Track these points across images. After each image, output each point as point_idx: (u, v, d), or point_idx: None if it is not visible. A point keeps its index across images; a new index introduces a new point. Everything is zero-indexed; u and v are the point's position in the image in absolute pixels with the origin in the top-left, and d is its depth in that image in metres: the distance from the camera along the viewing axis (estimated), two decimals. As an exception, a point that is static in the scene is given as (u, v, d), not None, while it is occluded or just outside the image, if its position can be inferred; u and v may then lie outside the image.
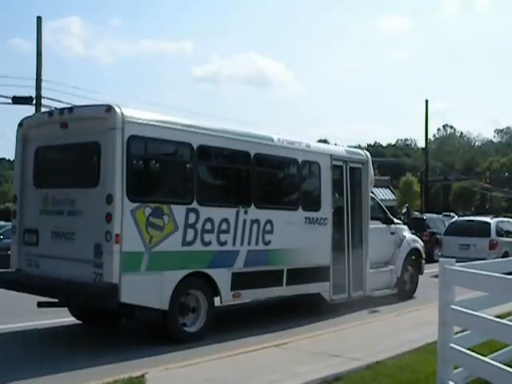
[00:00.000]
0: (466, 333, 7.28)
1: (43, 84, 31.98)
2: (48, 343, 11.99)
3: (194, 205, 11.98)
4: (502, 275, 6.39)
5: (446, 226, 29.38)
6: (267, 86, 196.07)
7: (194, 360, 9.70)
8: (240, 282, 12.71)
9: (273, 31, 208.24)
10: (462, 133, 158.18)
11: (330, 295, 14.97)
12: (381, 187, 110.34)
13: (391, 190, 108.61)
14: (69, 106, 12.19)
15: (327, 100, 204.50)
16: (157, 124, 11.55)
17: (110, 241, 10.63)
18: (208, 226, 12.19)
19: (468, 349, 7.05)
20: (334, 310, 15.08)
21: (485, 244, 25.14)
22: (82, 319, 13.28)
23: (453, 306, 6.89)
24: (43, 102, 31.53)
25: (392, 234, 17.70)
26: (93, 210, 11.13)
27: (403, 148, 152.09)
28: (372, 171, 17.13)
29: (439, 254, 25.94)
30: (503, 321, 6.63)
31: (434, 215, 40.36)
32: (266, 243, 13.33)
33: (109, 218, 10.68)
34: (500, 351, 7.94)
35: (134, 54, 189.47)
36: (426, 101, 63.53)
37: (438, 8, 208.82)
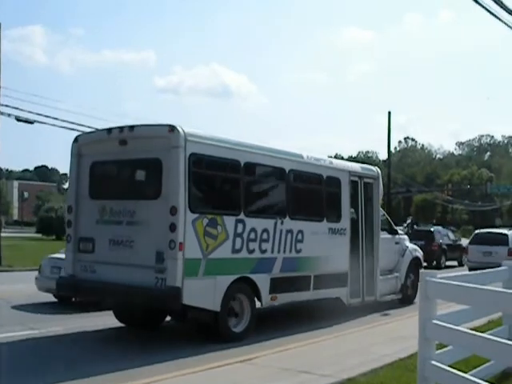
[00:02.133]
0: (447, 348, 6.93)
1: (2, 91, 31.24)
2: (99, 344, 12.79)
3: (242, 216, 13.20)
4: (484, 287, 6.22)
5: (471, 236, 33.80)
6: (230, 98, 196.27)
7: (144, 380, 9.16)
8: (277, 286, 13.93)
9: (236, 43, 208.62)
10: (423, 145, 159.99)
11: (348, 299, 16.29)
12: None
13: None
14: (129, 125, 13.17)
15: (290, 112, 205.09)
16: (212, 143, 12.78)
17: (174, 248, 11.70)
18: (252, 236, 13.41)
19: (449, 365, 6.76)
20: (311, 320, 15.06)
21: (504, 251, 28.97)
22: (128, 322, 14.34)
23: (435, 321, 6.54)
24: (1, 109, 30.76)
25: (396, 243, 19.22)
26: (154, 220, 12.24)
27: (364, 160, 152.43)
28: (381, 186, 18.72)
29: (465, 259, 32.42)
30: (486, 335, 6.34)
31: (440, 228, 43.41)
32: (298, 251, 14.64)
33: (173, 227, 11.75)
34: (481, 367, 7.60)
35: (96, 64, 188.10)
36: (389, 113, 63.52)
37: (400, 20, 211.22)
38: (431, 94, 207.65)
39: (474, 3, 14.70)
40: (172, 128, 12.13)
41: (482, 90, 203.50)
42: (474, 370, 7.35)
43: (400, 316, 15.65)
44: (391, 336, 12.82)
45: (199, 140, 12.49)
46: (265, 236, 13.78)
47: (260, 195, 14.85)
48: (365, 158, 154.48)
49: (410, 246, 20.04)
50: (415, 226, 44.26)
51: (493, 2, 14.98)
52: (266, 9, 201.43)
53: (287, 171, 14.65)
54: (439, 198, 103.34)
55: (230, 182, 13.90)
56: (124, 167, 13.69)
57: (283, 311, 15.42)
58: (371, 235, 17.58)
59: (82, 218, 13.58)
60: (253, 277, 13.40)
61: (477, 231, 35.48)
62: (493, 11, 15.61)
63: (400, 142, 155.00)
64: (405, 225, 47.46)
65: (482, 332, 7.86)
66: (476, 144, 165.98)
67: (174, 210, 11.81)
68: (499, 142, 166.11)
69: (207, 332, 12.89)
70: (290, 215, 14.50)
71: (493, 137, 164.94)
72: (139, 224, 12.50)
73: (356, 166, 18.01)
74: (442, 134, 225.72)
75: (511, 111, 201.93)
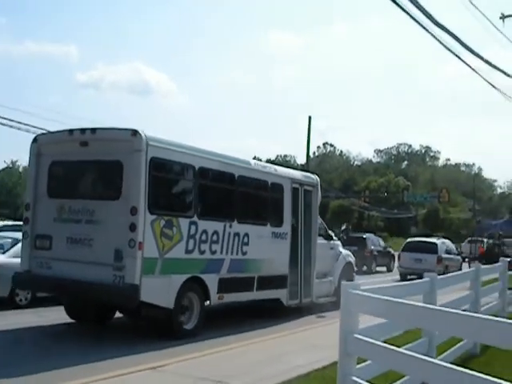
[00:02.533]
0: (367, 363, 6.70)
1: None
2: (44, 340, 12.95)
3: (195, 218, 14.08)
4: (404, 302, 6.06)
5: (404, 244, 37.76)
6: (150, 95, 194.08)
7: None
8: (224, 286, 14.83)
9: (161, 42, 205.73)
10: (341, 151, 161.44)
11: (287, 301, 17.41)
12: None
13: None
14: (91, 127, 13.65)
15: (212, 112, 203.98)
16: (170, 147, 13.55)
17: (134, 247, 12.34)
18: (203, 237, 14.28)
19: (369, 380, 6.57)
20: (235, 324, 15.20)
21: (433, 259, 32.93)
22: (78, 318, 14.80)
23: (356, 335, 6.31)
24: None
25: (331, 249, 20.39)
26: (113, 219, 12.85)
27: (283, 164, 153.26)
28: (320, 193, 19.97)
29: (398, 265, 35.77)
30: (403, 351, 6.19)
31: (372, 235, 45.77)
32: (244, 253, 15.67)
33: (133, 227, 12.39)
34: (398, 382, 7.41)
35: (18, 55, 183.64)
36: (309, 117, 63.85)
37: (328, 27, 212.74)
38: (353, 100, 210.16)
39: (406, 16, 14.69)
40: (134, 132, 12.80)
41: (400, 99, 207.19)
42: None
43: (317, 323, 15.56)
44: (305, 344, 12.65)
45: (159, 144, 13.19)
46: (215, 238, 14.65)
47: (211, 199, 15.51)
48: (283, 162, 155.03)
49: (344, 251, 21.22)
50: (349, 233, 45.89)
51: (422, 15, 15.02)
52: (193, 8, 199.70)
53: (236, 177, 15.64)
54: (356, 204, 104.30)
55: (185, 186, 14.87)
56: (84, 168, 14.13)
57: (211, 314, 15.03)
58: (309, 240, 18.64)
59: (39, 215, 14.05)
60: (203, 276, 14.26)
61: (409, 239, 39.50)
62: (422, 24, 15.67)
63: (319, 147, 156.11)
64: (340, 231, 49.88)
65: (403, 343, 7.79)
66: (394, 152, 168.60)
67: (134, 211, 12.44)
68: (416, 151, 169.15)
69: (160, 329, 13.52)
70: (237, 219, 15.52)
71: (410, 146, 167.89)
72: (98, 223, 13.02)
73: (297, 174, 19.39)
74: (361, 141, 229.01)
75: (428, 121, 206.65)
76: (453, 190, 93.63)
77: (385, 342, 6.55)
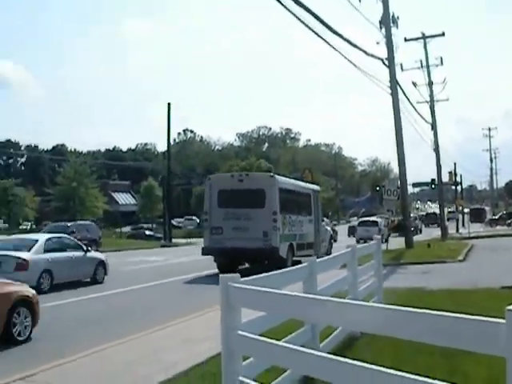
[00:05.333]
0: (251, 360, 6.25)
1: None
2: None
3: (289, 214, 28.53)
4: (279, 292, 5.84)
5: (359, 221, 65.07)
6: (8, 89, 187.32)
7: None
8: (297, 247, 29.32)
9: (14, 32, 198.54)
10: (202, 137, 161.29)
11: (313, 253, 29.11)
12: (122, 192, 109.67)
13: (132, 195, 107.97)
14: (246, 172, 34.74)
15: (69, 104, 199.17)
16: (285, 181, 30.21)
17: (276, 230, 26.32)
18: (291, 223, 28.57)
19: (258, 376, 6.30)
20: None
21: (376, 230, 50.42)
22: (224, 271, 18.16)
23: (239, 332, 5.84)
24: None
25: (324, 227, 37.97)
26: (261, 217, 26.27)
27: (143, 152, 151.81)
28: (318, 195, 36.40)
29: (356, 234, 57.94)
30: (284, 344, 5.81)
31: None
32: (302, 230, 30.35)
33: (275, 220, 26.27)
34: (283, 375, 7.00)
35: None
36: (169, 104, 63.36)
37: (182, 14, 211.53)
38: (212, 86, 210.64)
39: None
40: (272, 176, 28.92)
41: (260, 82, 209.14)
42: (277, 380, 6.77)
43: (188, 316, 15.04)
44: (180, 339, 12.08)
45: (281, 181, 28.68)
46: (294, 223, 29.04)
47: (293, 203, 30.16)
48: (143, 151, 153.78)
49: (328, 228, 40.65)
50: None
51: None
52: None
53: (299, 191, 32.06)
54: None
55: (290, 199, 29.42)
56: (239, 192, 27.05)
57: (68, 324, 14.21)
58: (319, 222, 34.08)
59: (213, 216, 27.04)
60: (293, 242, 28.57)
61: (361, 219, 66.31)
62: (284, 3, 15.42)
63: (179, 133, 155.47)
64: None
65: (291, 331, 7.43)
66: (255, 135, 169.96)
67: (275, 213, 26.46)
68: (277, 133, 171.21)
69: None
70: (299, 213, 30.73)
71: (270, 128, 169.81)
72: (252, 219, 26.38)
73: (313, 186, 36.10)
74: (222, 126, 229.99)
75: (287, 104, 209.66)
76: (315, 169, 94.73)
77: (272, 333, 6.20)
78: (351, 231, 67.52)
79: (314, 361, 4.95)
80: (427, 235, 57.64)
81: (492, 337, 3.28)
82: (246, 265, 28.46)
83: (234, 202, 26.71)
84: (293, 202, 29.72)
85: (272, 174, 30.44)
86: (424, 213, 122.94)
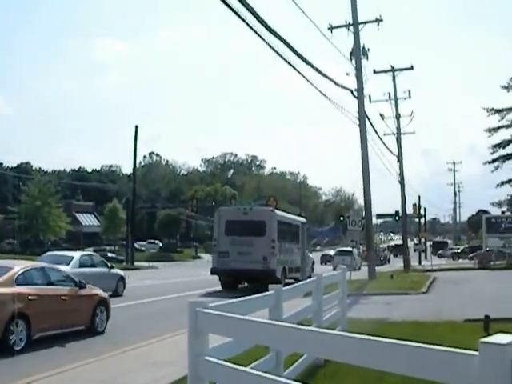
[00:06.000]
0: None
1: None
2: None
3: (284, 242, 34.01)
4: (247, 318, 5.81)
5: (336, 250, 70.25)
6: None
7: None
8: (288, 270, 34.89)
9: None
10: (167, 161, 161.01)
11: (300, 278, 34.47)
12: (85, 213, 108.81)
13: (96, 216, 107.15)
14: (250, 206, 38.01)
15: (36, 122, 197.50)
16: (283, 215, 36.13)
17: (273, 255, 31.04)
18: (285, 249, 34.05)
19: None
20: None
21: (350, 258, 45.89)
22: (226, 288, 31.05)
23: (207, 358, 5.88)
24: None
25: (309, 254, 45.00)
26: (261, 244, 31.07)
27: (108, 174, 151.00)
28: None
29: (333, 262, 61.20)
30: (251, 371, 5.84)
31: None
32: (292, 256, 35.73)
33: (273, 247, 31.09)
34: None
35: None
36: (136, 127, 63.28)
37: (155, 34, 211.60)
38: (178, 110, 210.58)
39: (231, 19, 14.49)
40: (272, 210, 34.03)
41: (228, 108, 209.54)
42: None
43: (156, 338, 15.10)
44: (145, 362, 12.05)
45: (279, 214, 34.11)
46: (287, 249, 34.36)
47: (286, 233, 35.01)
48: (109, 172, 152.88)
49: (310, 255, 44.87)
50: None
51: (251, 15, 14.91)
52: (16, 16, 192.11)
53: (290, 223, 37.12)
54: (183, 213, 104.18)
55: (284, 229, 34.06)
56: (243, 222, 31.82)
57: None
58: (304, 249, 39.36)
59: (221, 242, 31.92)
60: (285, 266, 33.64)
61: (338, 249, 69.30)
62: (256, 30, 15.55)
63: (145, 156, 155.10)
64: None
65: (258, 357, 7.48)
66: (220, 161, 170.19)
67: (273, 241, 31.18)
68: (242, 160, 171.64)
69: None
70: (290, 241, 35.84)
71: (236, 155, 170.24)
72: (254, 246, 31.07)
73: (301, 219, 41.83)
74: (188, 151, 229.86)
75: (255, 131, 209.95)
76: (280, 198, 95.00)
77: (239, 359, 6.23)
78: (324, 259, 74.30)
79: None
80: (391, 266, 58.05)
81: (464, 369, 3.34)
82: (245, 284, 33.99)
83: (239, 230, 31.73)
84: (286, 232, 35.00)
85: (272, 208, 35.73)
86: (393, 243, 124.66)
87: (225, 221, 32.30)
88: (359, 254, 61.53)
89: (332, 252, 72.52)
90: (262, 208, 37.95)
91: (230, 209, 40.86)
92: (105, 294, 17.71)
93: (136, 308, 23.74)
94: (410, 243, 75.31)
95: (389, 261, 77.02)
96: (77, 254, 27.38)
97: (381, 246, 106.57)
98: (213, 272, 32.28)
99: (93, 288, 17.19)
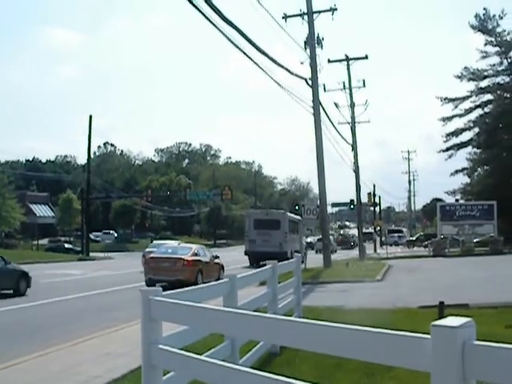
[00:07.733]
0: (172, 374, 6.20)
1: None
2: None
3: (291, 232, 49.45)
4: (201, 306, 5.71)
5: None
6: None
7: None
8: (294, 252, 43.13)
9: None
10: (122, 151, 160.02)
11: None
12: (39, 204, 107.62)
13: (50, 207, 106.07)
14: (269, 210, 55.82)
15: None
16: (290, 215, 50.72)
17: (286, 242, 46.97)
18: (292, 238, 48.93)
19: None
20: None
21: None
22: (254, 264, 44.26)
23: (161, 346, 5.79)
24: None
25: (302, 241, 50.66)
26: (278, 235, 47.36)
27: (63, 165, 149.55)
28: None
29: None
30: (207, 359, 5.74)
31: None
32: (294, 242, 47.73)
33: (285, 236, 47.39)
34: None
35: None
36: (90, 117, 62.85)
37: (107, 24, 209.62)
38: (132, 100, 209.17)
39: (186, 7, 14.36)
40: (284, 212, 52.60)
41: (182, 97, 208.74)
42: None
43: (107, 330, 14.85)
44: (99, 353, 11.88)
45: (289, 215, 50.40)
46: (293, 238, 48.09)
47: (293, 227, 49.88)
48: (63, 163, 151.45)
49: (304, 243, 52.47)
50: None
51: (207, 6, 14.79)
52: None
53: (294, 220, 49.55)
54: (138, 203, 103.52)
55: (293, 226, 50.07)
56: (266, 221, 48.27)
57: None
58: (301, 238, 47.62)
59: (250, 233, 48.47)
60: (294, 249, 46.71)
61: (319, 236, 66.93)
62: (210, 18, 15.43)
63: (99, 147, 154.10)
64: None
65: (213, 345, 7.41)
66: (175, 151, 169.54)
67: (286, 233, 47.46)
68: (197, 149, 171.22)
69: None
70: (294, 232, 49.41)
71: (190, 144, 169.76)
72: (272, 236, 47.00)
73: (298, 217, 44.47)
74: (142, 141, 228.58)
75: (209, 120, 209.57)
76: (235, 187, 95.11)
77: (194, 348, 6.16)
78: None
79: (233, 375, 4.95)
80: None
81: (418, 352, 3.33)
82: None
83: (263, 225, 47.81)
84: (292, 226, 49.44)
85: (284, 211, 55.36)
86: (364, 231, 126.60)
87: (253, 219, 48.91)
88: (334, 239, 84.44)
89: (309, 239, 79.11)
90: (278, 211, 56.23)
91: (256, 211, 59.14)
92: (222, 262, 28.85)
93: (90, 298, 23.44)
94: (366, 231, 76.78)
95: (357, 245, 77.94)
96: None
97: (350, 232, 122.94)
98: (246, 253, 48.55)
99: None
